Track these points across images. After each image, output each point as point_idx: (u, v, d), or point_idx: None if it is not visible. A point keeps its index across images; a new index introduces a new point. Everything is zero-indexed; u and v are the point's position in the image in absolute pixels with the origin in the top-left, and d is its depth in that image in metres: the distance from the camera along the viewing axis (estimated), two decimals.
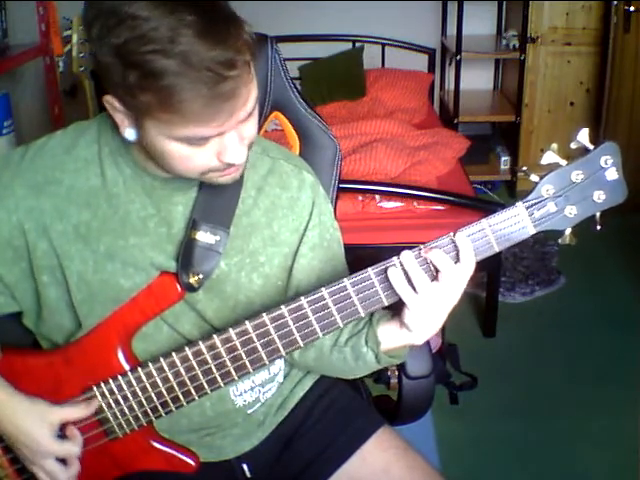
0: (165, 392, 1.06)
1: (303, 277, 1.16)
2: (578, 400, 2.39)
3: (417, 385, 1.36)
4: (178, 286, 1.06)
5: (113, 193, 1.07)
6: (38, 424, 1.05)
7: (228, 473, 1.23)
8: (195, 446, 1.16)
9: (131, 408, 1.08)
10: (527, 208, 0.99)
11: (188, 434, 1.18)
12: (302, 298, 1.02)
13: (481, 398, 2.42)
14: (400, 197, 2.55)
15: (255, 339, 1.03)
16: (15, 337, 1.16)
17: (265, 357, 1.04)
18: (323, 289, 1.02)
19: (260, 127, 1.33)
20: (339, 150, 1.43)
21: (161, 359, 1.05)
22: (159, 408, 1.08)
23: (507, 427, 2.29)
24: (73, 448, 1.08)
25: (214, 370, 1.05)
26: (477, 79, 4.09)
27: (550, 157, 0.98)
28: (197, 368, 1.05)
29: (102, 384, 1.07)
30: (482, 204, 2.51)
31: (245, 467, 1.24)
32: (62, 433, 1.08)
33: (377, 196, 2.59)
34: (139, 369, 1.06)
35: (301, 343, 1.04)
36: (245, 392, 1.19)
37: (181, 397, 1.07)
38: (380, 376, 2.30)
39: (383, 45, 3.85)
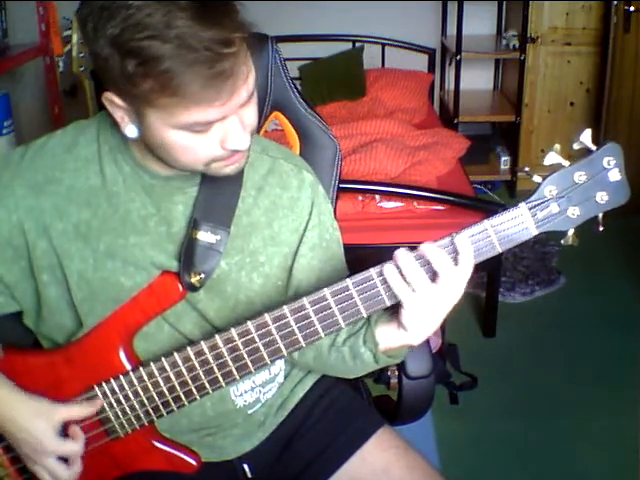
0: (167, 392, 1.06)
1: (303, 277, 1.16)
2: (578, 400, 2.40)
3: (417, 385, 1.36)
4: (180, 286, 1.06)
5: (113, 192, 1.07)
6: (40, 423, 1.05)
7: (229, 473, 1.23)
8: (196, 446, 1.16)
9: (132, 407, 1.08)
10: (530, 209, 0.98)
11: (189, 434, 1.18)
12: (304, 298, 1.02)
13: (481, 398, 2.42)
14: (400, 197, 2.55)
15: (257, 339, 1.03)
16: (16, 337, 1.16)
17: (267, 357, 1.04)
18: (325, 289, 1.01)
19: (260, 127, 1.33)
20: (339, 150, 1.43)
21: (163, 359, 1.05)
22: (160, 408, 1.08)
23: (507, 427, 2.29)
24: (75, 447, 1.08)
25: (216, 370, 1.05)
26: (477, 79, 4.09)
27: (553, 158, 0.98)
28: (199, 368, 1.05)
29: (103, 383, 1.07)
30: (482, 204, 2.51)
31: (246, 467, 1.24)
32: (64, 432, 1.08)
33: (377, 196, 2.59)
34: (140, 368, 1.06)
35: (303, 343, 1.04)
36: (246, 392, 1.19)
37: (182, 397, 1.07)
38: (380, 376, 2.31)
39: (383, 45, 3.85)
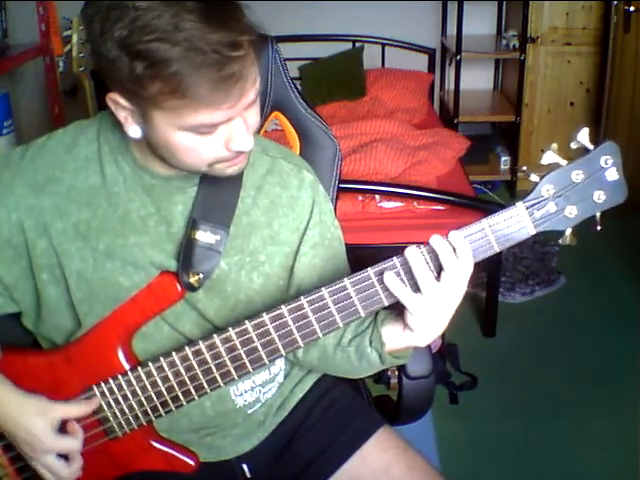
0: (165, 391, 1.06)
1: (305, 276, 1.16)
2: (578, 400, 2.39)
3: (417, 385, 1.36)
4: (178, 286, 1.06)
5: (113, 192, 1.07)
6: (38, 420, 1.05)
7: (228, 473, 1.23)
8: (195, 446, 1.16)
9: (131, 407, 1.08)
10: (527, 208, 0.98)
11: (188, 434, 1.18)
12: (302, 298, 1.02)
13: (481, 398, 2.42)
14: (400, 197, 2.55)
15: (255, 339, 1.03)
16: (15, 337, 1.16)
17: (265, 357, 1.04)
18: (323, 289, 1.01)
19: (260, 127, 1.33)
20: (339, 150, 1.43)
21: (161, 358, 1.05)
22: (159, 407, 1.08)
23: (507, 427, 2.29)
24: (74, 443, 1.08)
25: (214, 370, 1.05)
26: (477, 79, 4.09)
27: (550, 157, 0.98)
28: (197, 368, 1.05)
29: (102, 383, 1.07)
30: (482, 204, 2.51)
31: (245, 467, 1.24)
32: (63, 429, 1.08)
33: (377, 196, 2.59)
34: (139, 368, 1.06)
35: (301, 343, 1.04)
36: (245, 392, 1.19)
37: (181, 396, 1.07)
38: (380, 376, 2.31)
39: (383, 45, 3.85)
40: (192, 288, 1.07)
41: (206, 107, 0.91)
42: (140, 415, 1.08)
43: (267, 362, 1.05)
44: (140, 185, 1.07)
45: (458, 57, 3.61)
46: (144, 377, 1.06)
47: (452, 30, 3.73)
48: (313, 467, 1.23)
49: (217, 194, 1.08)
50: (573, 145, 0.98)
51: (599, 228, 1.00)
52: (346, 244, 1.24)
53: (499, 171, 3.93)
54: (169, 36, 0.86)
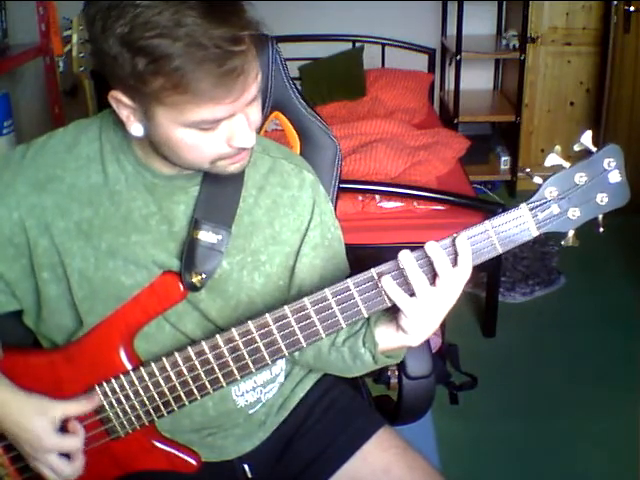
0: (167, 391, 1.06)
1: (306, 276, 1.16)
2: (578, 400, 2.40)
3: (417, 385, 1.36)
4: (181, 285, 1.06)
5: (115, 190, 1.07)
6: (39, 420, 1.05)
7: (229, 473, 1.23)
8: (197, 446, 1.16)
9: (133, 407, 1.08)
10: (531, 210, 0.99)
11: (190, 434, 1.18)
12: (305, 298, 1.02)
13: (481, 398, 2.42)
14: (400, 197, 2.55)
15: (258, 339, 1.03)
16: (16, 336, 1.16)
17: (268, 357, 1.04)
18: (326, 290, 1.01)
19: (260, 127, 1.33)
20: (339, 150, 1.43)
21: (163, 358, 1.05)
22: (161, 407, 1.08)
23: (507, 427, 2.29)
24: (75, 442, 1.07)
25: (217, 370, 1.05)
26: (477, 79, 4.09)
27: (553, 159, 0.98)
28: (199, 368, 1.05)
29: (104, 383, 1.07)
30: (482, 204, 2.52)
31: (246, 467, 1.24)
32: (64, 428, 1.08)
33: (377, 196, 2.59)
34: (141, 368, 1.06)
35: (304, 343, 1.04)
36: (247, 392, 1.19)
37: (183, 396, 1.07)
38: (380, 376, 2.31)
39: (383, 45, 3.85)
40: (194, 288, 1.07)
41: (208, 102, 0.91)
42: (142, 415, 1.08)
43: (270, 362, 1.05)
44: (142, 184, 1.07)
45: (458, 57, 3.61)
46: (146, 377, 1.06)
47: (452, 30, 3.73)
48: (313, 467, 1.23)
49: (219, 194, 1.08)
50: (576, 147, 0.99)
51: (601, 230, 1.01)
52: (346, 244, 1.24)
53: (499, 171, 3.93)
54: (170, 32, 0.87)
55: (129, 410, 1.08)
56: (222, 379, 1.06)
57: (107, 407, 1.08)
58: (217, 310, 1.12)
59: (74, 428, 1.08)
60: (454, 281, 0.99)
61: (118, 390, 1.07)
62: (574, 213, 0.99)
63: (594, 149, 0.98)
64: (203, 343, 1.04)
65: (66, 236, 1.06)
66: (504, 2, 4.01)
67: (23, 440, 1.07)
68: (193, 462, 1.14)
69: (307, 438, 1.25)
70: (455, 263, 0.98)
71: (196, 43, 0.87)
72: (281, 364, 1.26)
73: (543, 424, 2.30)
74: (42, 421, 1.05)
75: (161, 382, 1.06)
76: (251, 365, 1.05)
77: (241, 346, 1.03)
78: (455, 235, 0.98)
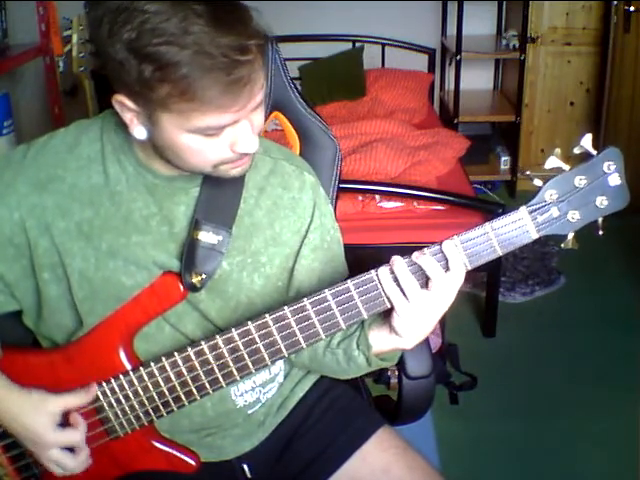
0: (167, 392, 1.06)
1: (304, 278, 1.16)
2: (578, 400, 2.40)
3: (417, 385, 1.36)
4: (181, 286, 1.06)
5: (116, 191, 1.07)
6: (38, 416, 1.05)
7: (229, 473, 1.23)
8: (196, 446, 1.16)
9: (132, 407, 1.08)
10: (530, 212, 0.99)
11: (189, 434, 1.18)
12: (305, 299, 1.02)
13: (481, 398, 2.42)
14: (400, 197, 2.55)
15: (258, 340, 1.03)
16: (15, 336, 1.16)
17: (267, 358, 1.04)
18: (326, 290, 1.02)
19: None
20: (339, 150, 1.43)
21: (163, 359, 1.05)
22: (160, 408, 1.08)
23: (507, 427, 2.29)
24: (76, 435, 1.07)
25: (216, 370, 1.05)
26: (477, 79, 4.09)
27: (553, 162, 0.99)
28: (199, 368, 1.05)
29: (103, 383, 1.07)
30: (482, 204, 2.52)
31: (245, 467, 1.24)
32: (65, 422, 1.07)
33: (377, 196, 2.59)
34: (141, 368, 1.06)
35: (304, 344, 1.04)
36: (246, 392, 1.19)
37: (183, 397, 1.07)
38: (380, 376, 2.31)
39: (383, 45, 3.85)
40: (194, 288, 1.07)
41: (214, 110, 0.91)
42: (141, 415, 1.08)
43: (269, 363, 1.05)
44: (143, 185, 1.07)
45: (458, 57, 3.61)
46: (146, 377, 1.06)
47: (452, 30, 3.73)
48: (313, 467, 1.23)
49: (220, 195, 1.08)
50: (576, 150, 0.99)
51: (601, 233, 1.01)
52: (346, 244, 1.24)
53: (499, 171, 3.93)
54: (178, 39, 0.87)
55: (128, 410, 1.08)
56: (222, 379, 1.06)
57: (106, 407, 1.08)
58: (216, 310, 1.12)
59: (75, 421, 1.08)
60: (447, 285, 1.00)
61: (117, 390, 1.07)
62: (574, 216, 1.00)
63: (594, 152, 0.99)
64: (203, 343, 1.04)
65: (66, 236, 1.06)
66: (504, 2, 4.00)
67: (23, 437, 1.07)
68: (192, 462, 1.14)
69: (306, 438, 1.25)
70: (447, 268, 0.99)
71: (203, 51, 0.87)
72: (280, 364, 1.26)
73: (543, 424, 2.30)
74: (41, 417, 1.05)
75: (161, 382, 1.06)
76: (251, 366, 1.05)
77: (241, 347, 1.04)
78: (446, 240, 0.99)
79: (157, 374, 1.06)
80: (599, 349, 2.67)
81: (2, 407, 1.06)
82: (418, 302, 1.00)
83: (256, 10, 0.93)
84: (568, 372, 2.56)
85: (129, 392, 1.07)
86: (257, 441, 1.25)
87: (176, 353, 1.05)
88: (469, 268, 1.01)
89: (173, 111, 0.92)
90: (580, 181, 0.99)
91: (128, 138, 1.05)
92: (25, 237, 1.06)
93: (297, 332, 1.03)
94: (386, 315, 1.06)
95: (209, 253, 1.07)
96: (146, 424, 1.09)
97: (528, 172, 1.02)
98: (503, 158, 3.91)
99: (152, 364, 1.06)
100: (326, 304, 1.02)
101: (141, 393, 1.07)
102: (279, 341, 1.03)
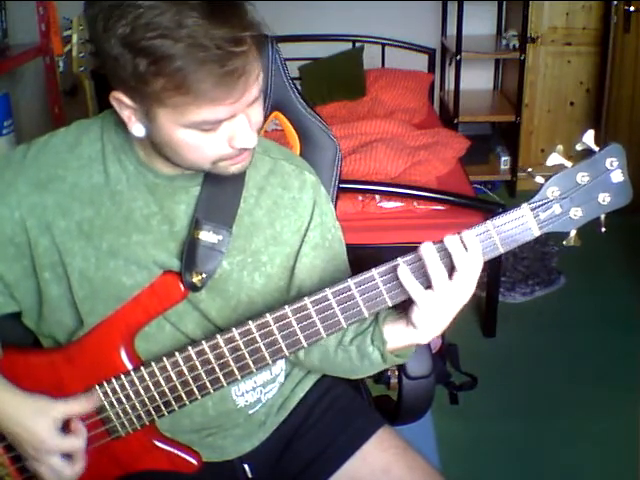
0: (168, 391, 1.06)
1: (305, 277, 1.16)
2: (578, 400, 2.40)
3: (417, 385, 1.36)
4: (181, 285, 1.06)
5: (116, 190, 1.07)
6: (40, 421, 1.05)
7: (230, 473, 1.23)
8: (197, 446, 1.16)
9: (133, 407, 1.08)
10: (532, 210, 0.99)
11: (190, 434, 1.18)
12: (305, 298, 1.02)
13: (481, 398, 2.42)
14: (400, 197, 2.55)
15: (259, 339, 1.03)
16: (16, 336, 1.16)
17: (268, 357, 1.04)
18: (327, 289, 1.02)
19: (260, 127, 1.33)
20: (339, 150, 1.43)
21: (164, 358, 1.05)
22: (162, 407, 1.08)
23: (507, 427, 2.29)
24: (77, 442, 1.07)
25: (217, 370, 1.05)
26: (477, 79, 4.09)
27: (555, 159, 0.98)
28: (200, 368, 1.05)
29: (104, 383, 1.07)
30: (482, 204, 2.52)
31: (247, 467, 1.24)
32: (66, 428, 1.07)
33: (377, 196, 2.59)
34: (142, 368, 1.06)
35: (305, 343, 1.04)
36: (247, 392, 1.19)
37: (184, 396, 1.07)
38: (380, 376, 2.31)
39: (383, 45, 3.85)
40: (195, 288, 1.07)
41: (209, 103, 0.91)
42: (143, 415, 1.08)
43: (270, 362, 1.05)
44: (143, 184, 1.07)
45: (458, 57, 3.61)
46: (147, 377, 1.06)
47: (452, 30, 3.73)
48: (313, 467, 1.23)
49: (220, 194, 1.08)
50: (578, 147, 0.99)
51: (603, 230, 1.01)
52: (346, 244, 1.24)
53: (499, 171, 3.93)
54: (172, 32, 0.87)
55: (130, 410, 1.08)
56: (223, 379, 1.06)
57: (107, 407, 1.08)
58: (217, 310, 1.12)
59: (76, 428, 1.07)
60: (470, 274, 0.99)
61: (119, 390, 1.07)
62: (576, 213, 0.99)
63: (596, 148, 0.98)
64: (204, 343, 1.04)
65: (67, 236, 1.06)
66: (504, 2, 4.00)
67: (24, 441, 1.06)
68: (194, 462, 1.14)
69: (307, 438, 1.25)
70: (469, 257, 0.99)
71: (197, 44, 0.87)
72: (281, 364, 1.26)
73: (543, 424, 2.30)
74: (43, 422, 1.05)
75: (162, 382, 1.06)
76: (252, 365, 1.05)
77: (242, 346, 1.03)
78: (459, 233, 0.98)
79: (158, 374, 1.06)
80: (599, 349, 2.67)
81: (3, 410, 1.06)
82: (442, 292, 0.99)
83: (251, 4, 0.93)
84: (568, 372, 2.56)
85: (130, 392, 1.07)
86: (258, 441, 1.25)
87: (177, 353, 1.05)
88: None
89: (169, 106, 0.92)
90: (582, 178, 0.98)
91: (128, 137, 1.05)
92: (26, 237, 1.06)
93: (298, 331, 1.03)
94: (402, 309, 1.06)
95: (209, 252, 1.07)
96: (147, 424, 1.09)
97: (530, 169, 1.01)
98: (503, 158, 3.91)
99: (153, 364, 1.06)
100: (327, 303, 1.02)
101: (142, 393, 1.07)
102: (280, 340, 1.03)
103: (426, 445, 2.13)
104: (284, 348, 1.04)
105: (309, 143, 1.42)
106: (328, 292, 1.01)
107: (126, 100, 0.96)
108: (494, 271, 2.62)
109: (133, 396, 1.07)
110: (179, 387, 1.06)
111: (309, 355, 1.20)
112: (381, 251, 2.38)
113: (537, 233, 1.00)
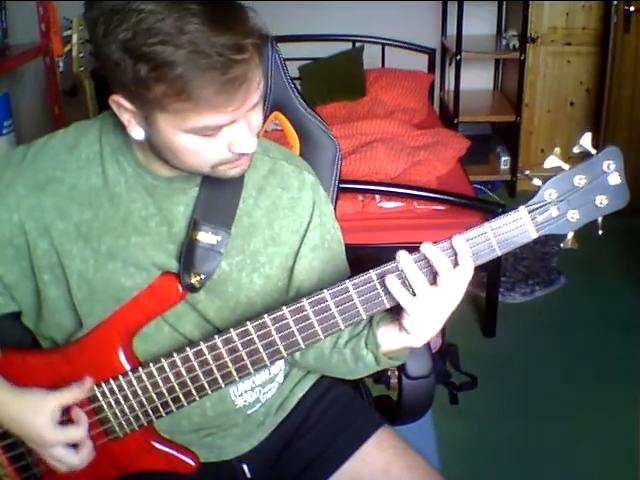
0: (166, 392, 1.06)
1: (304, 277, 1.16)
2: (578, 400, 2.40)
3: (417, 385, 1.36)
4: (179, 286, 1.06)
5: (115, 192, 1.07)
6: (37, 416, 1.05)
7: (228, 473, 1.23)
8: (195, 446, 1.16)
9: (132, 408, 1.08)
10: (530, 212, 0.99)
11: (188, 434, 1.18)
12: (304, 299, 1.02)
13: (481, 398, 2.42)
14: (400, 197, 2.55)
15: (256, 340, 1.03)
16: (15, 337, 1.16)
17: (266, 358, 1.04)
18: (325, 290, 1.01)
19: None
20: (339, 150, 1.43)
21: (162, 359, 1.05)
22: (160, 408, 1.08)
23: (507, 427, 2.29)
24: (76, 432, 1.07)
25: (215, 371, 1.05)
26: (477, 79, 4.09)
27: (553, 161, 0.98)
28: (198, 369, 1.05)
29: (102, 383, 1.07)
30: (482, 204, 2.51)
31: (245, 467, 1.24)
32: (66, 418, 1.07)
33: (377, 196, 2.59)
34: (140, 369, 1.06)
35: (302, 345, 1.04)
36: (245, 392, 1.19)
37: (182, 397, 1.07)
38: (380, 376, 2.31)
39: (383, 45, 3.85)
40: (193, 289, 1.07)
41: (210, 110, 0.91)
42: (141, 415, 1.08)
43: (268, 363, 1.05)
44: (142, 186, 1.07)
45: (458, 57, 3.61)
46: (145, 378, 1.06)
47: (452, 30, 3.73)
48: (313, 467, 1.23)
49: (219, 195, 1.08)
50: (576, 149, 0.99)
51: (600, 232, 1.01)
52: (346, 244, 1.24)
53: (499, 171, 3.93)
54: (173, 39, 0.86)
55: (128, 411, 1.08)
56: (221, 380, 1.06)
57: (105, 408, 1.08)
58: (215, 311, 1.12)
59: (77, 416, 1.07)
60: (456, 280, 0.99)
61: (117, 391, 1.07)
62: (573, 215, 0.99)
63: (594, 151, 0.98)
64: (202, 344, 1.04)
65: (65, 238, 1.06)
66: (504, 2, 4.00)
67: (26, 438, 1.07)
68: (192, 462, 1.14)
69: (306, 438, 1.25)
70: (456, 263, 0.99)
71: (199, 51, 0.87)
72: (280, 364, 1.26)
73: (543, 424, 2.30)
74: (40, 417, 1.05)
75: (160, 383, 1.06)
76: (250, 366, 1.05)
77: (240, 347, 1.03)
78: (452, 236, 0.98)
79: (156, 375, 1.06)
80: (599, 349, 2.67)
81: (4, 411, 1.06)
82: (427, 299, 0.99)
83: (252, 10, 0.93)
84: (568, 372, 2.56)
85: (128, 393, 1.07)
86: (257, 441, 1.25)
87: (175, 353, 1.05)
88: None
89: (169, 111, 0.92)
90: (580, 180, 0.98)
91: (127, 139, 1.05)
92: (24, 238, 1.06)
93: (296, 332, 1.03)
94: (395, 313, 1.06)
95: (208, 253, 1.07)
96: (145, 424, 1.09)
97: (527, 172, 1.01)
98: (503, 158, 3.91)
99: (151, 365, 1.06)
100: (325, 304, 1.02)
101: (140, 394, 1.07)
102: (278, 341, 1.03)
103: (426, 445, 2.13)
104: (282, 349, 1.04)
105: (309, 143, 1.42)
106: (326, 293, 1.01)
107: (126, 104, 0.95)
108: (494, 271, 2.62)
109: (131, 397, 1.07)
110: (177, 388, 1.06)
111: (305, 356, 1.21)
112: (381, 251, 2.38)
113: (534, 235, 1.00)
